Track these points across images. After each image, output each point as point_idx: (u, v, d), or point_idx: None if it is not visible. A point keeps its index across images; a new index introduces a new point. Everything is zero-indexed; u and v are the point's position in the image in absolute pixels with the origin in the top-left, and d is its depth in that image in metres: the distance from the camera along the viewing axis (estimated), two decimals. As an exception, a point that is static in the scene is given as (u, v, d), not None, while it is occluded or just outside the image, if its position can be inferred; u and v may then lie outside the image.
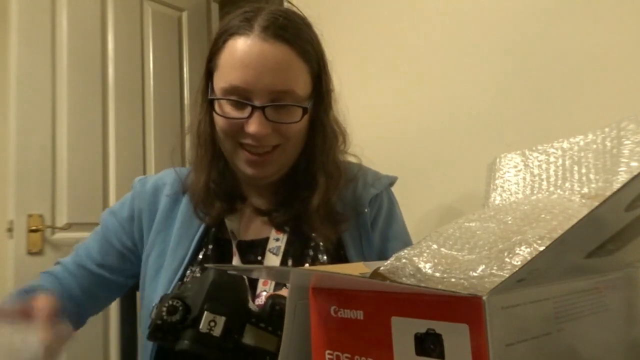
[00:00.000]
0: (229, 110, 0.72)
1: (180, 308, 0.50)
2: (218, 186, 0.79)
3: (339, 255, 0.79)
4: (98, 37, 2.04)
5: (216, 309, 0.50)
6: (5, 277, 1.76)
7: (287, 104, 0.71)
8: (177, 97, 2.26)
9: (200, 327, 0.49)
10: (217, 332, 0.50)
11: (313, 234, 0.78)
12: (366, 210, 0.82)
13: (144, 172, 2.13)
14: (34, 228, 1.77)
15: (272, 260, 0.75)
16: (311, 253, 0.77)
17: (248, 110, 0.70)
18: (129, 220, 0.82)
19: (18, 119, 1.79)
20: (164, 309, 0.51)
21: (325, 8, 1.68)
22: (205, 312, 0.50)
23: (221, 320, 0.50)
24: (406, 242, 0.86)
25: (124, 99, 2.08)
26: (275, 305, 0.53)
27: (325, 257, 0.77)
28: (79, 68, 1.95)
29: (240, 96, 0.71)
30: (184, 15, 2.41)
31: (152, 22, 2.25)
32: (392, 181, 0.90)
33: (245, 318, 0.52)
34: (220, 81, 0.72)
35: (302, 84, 0.73)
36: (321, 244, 0.78)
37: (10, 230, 1.76)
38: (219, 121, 0.74)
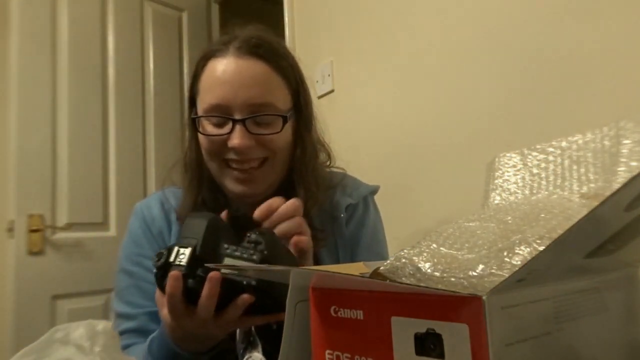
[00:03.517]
0: (211, 129, 0.73)
1: (165, 252, 0.56)
2: (209, 210, 0.77)
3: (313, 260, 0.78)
4: (98, 37, 2.04)
5: (185, 243, 0.56)
6: (5, 277, 1.77)
7: (266, 115, 0.72)
8: (177, 97, 2.26)
9: (170, 259, 0.55)
10: (183, 261, 0.54)
11: None
12: (342, 215, 0.82)
13: (144, 172, 2.13)
14: (34, 228, 1.77)
15: None
16: None
17: (229, 125, 0.72)
18: (152, 245, 0.79)
19: (18, 119, 1.79)
20: (155, 258, 0.56)
21: (323, 11, 1.68)
22: (175, 247, 0.56)
23: (187, 251, 0.55)
24: (377, 253, 0.85)
25: (124, 99, 2.08)
26: (251, 235, 0.57)
27: None
28: (79, 68, 1.95)
29: (221, 112, 0.72)
30: (184, 15, 2.41)
31: (152, 22, 2.25)
32: (372, 190, 0.89)
33: (218, 249, 0.57)
34: (202, 103, 0.74)
35: (280, 98, 0.74)
36: None
37: (10, 230, 1.76)
38: (203, 141, 0.75)
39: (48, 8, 1.90)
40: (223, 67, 0.72)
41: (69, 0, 1.95)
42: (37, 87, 1.84)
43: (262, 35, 0.76)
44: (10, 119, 1.79)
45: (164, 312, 0.59)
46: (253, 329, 0.62)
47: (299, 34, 1.79)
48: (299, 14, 1.80)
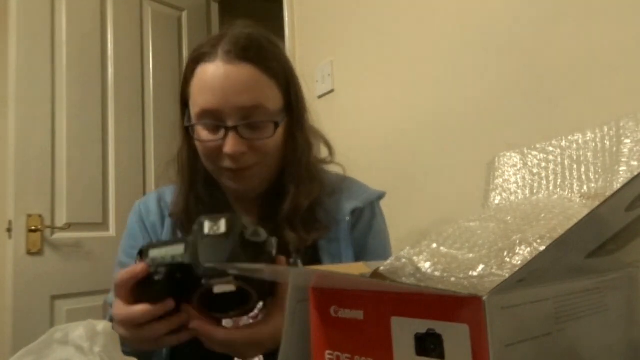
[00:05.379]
0: (205, 135, 0.75)
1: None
2: (206, 206, 0.81)
3: (312, 263, 0.78)
4: (98, 37, 2.04)
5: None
6: (4, 277, 1.77)
7: (258, 120, 0.74)
8: (177, 97, 2.25)
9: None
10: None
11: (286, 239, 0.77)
12: (347, 218, 0.81)
13: (144, 173, 2.13)
14: (33, 228, 1.77)
15: None
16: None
17: (222, 132, 0.74)
18: (145, 238, 0.82)
19: (18, 119, 1.79)
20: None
21: (323, 11, 1.68)
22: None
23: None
24: (382, 258, 0.84)
25: (124, 99, 2.08)
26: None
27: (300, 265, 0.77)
28: (79, 68, 1.95)
29: (213, 118, 0.74)
30: (184, 15, 2.41)
31: (152, 22, 2.25)
32: (379, 196, 0.88)
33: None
34: (194, 107, 0.76)
35: (271, 99, 0.76)
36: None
37: (9, 230, 1.76)
38: (199, 147, 0.78)
39: (47, 7, 1.89)
40: (212, 72, 0.73)
41: (69, 0, 1.95)
42: (36, 87, 1.84)
43: (251, 34, 0.77)
44: (10, 119, 1.79)
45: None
46: None
47: (299, 34, 1.79)
48: (299, 14, 1.80)
